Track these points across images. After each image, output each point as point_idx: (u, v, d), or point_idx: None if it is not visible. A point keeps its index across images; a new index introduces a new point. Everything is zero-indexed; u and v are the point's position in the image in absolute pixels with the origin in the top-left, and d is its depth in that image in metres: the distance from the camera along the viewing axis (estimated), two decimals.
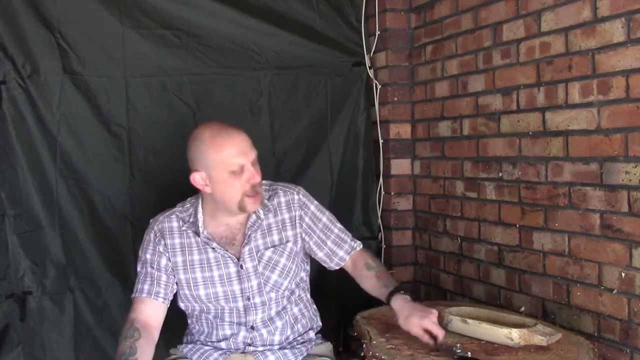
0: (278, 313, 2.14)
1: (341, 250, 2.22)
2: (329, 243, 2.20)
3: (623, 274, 2.06)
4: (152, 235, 2.13)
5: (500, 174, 2.59)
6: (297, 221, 2.15)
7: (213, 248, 2.08)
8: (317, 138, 3.09)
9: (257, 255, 2.10)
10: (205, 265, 2.09)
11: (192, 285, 2.10)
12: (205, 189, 2.04)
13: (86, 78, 2.69)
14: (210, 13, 2.87)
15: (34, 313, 2.63)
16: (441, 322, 2.16)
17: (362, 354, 2.08)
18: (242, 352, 2.11)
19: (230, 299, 2.09)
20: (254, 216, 2.10)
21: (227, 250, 2.09)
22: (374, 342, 2.06)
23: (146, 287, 2.08)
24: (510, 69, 2.51)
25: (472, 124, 2.75)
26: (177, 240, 2.11)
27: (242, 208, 2.03)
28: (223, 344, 2.12)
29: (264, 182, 2.17)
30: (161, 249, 2.10)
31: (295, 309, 2.18)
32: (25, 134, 2.61)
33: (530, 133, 2.43)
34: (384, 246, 3.22)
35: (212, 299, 2.09)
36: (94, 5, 2.68)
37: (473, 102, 2.74)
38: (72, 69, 2.66)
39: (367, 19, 3.21)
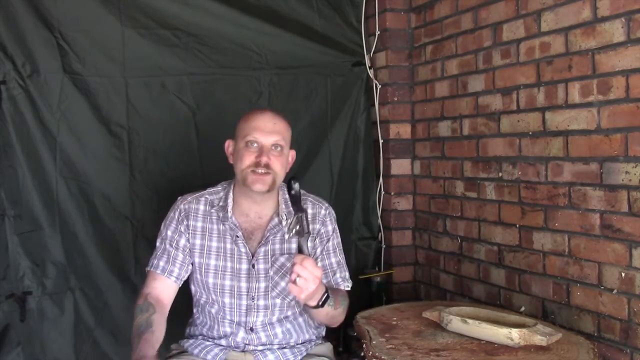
0: (280, 321, 2.12)
1: (324, 279, 2.06)
2: (319, 265, 2.06)
3: (623, 274, 2.06)
4: (176, 213, 2.13)
5: (500, 174, 2.59)
6: (316, 234, 2.13)
7: (237, 236, 2.07)
8: (317, 138, 3.10)
9: (271, 258, 2.08)
10: (221, 254, 2.09)
11: (203, 270, 2.09)
12: (230, 158, 2.11)
13: (86, 78, 2.69)
14: (210, 13, 2.87)
15: (34, 313, 2.63)
16: (441, 322, 2.16)
17: (362, 354, 2.08)
18: (241, 351, 2.11)
19: (235, 295, 2.09)
20: (275, 219, 2.09)
21: (245, 244, 2.08)
22: (374, 342, 2.06)
23: (162, 263, 2.08)
24: (510, 69, 2.52)
25: (472, 124, 2.75)
26: (199, 224, 2.11)
27: (244, 181, 2.02)
28: (223, 341, 2.12)
29: (297, 188, 2.12)
30: (182, 229, 2.10)
31: (300, 319, 2.16)
32: (25, 134, 2.61)
33: (530, 133, 2.43)
34: (384, 246, 3.22)
35: (218, 290, 2.09)
36: (94, 5, 2.69)
37: (473, 102, 2.74)
38: (72, 69, 2.66)
39: (367, 19, 3.21)
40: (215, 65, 2.89)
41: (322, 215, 2.15)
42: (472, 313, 2.19)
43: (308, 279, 1.79)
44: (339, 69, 3.13)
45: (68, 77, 2.67)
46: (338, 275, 2.16)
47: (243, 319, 2.10)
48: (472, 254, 2.79)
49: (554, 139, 2.32)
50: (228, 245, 2.09)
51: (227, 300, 2.09)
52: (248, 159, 2.01)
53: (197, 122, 2.85)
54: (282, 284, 2.08)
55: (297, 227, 1.84)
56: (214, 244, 2.10)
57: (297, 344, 2.15)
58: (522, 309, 2.48)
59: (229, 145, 2.12)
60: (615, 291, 2.09)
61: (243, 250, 2.08)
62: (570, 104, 2.25)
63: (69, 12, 2.65)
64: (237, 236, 2.08)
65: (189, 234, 2.11)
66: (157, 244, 2.14)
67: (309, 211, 2.12)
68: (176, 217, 2.13)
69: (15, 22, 2.58)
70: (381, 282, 3.09)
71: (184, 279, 2.12)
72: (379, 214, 3.22)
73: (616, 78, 2.06)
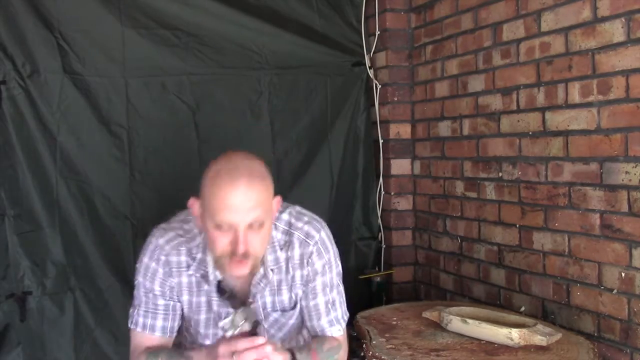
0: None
1: (309, 322, 1.86)
2: (303, 304, 1.85)
3: (623, 274, 2.06)
4: (159, 268, 1.80)
5: (500, 174, 2.59)
6: (305, 279, 1.83)
7: (221, 296, 1.79)
8: (317, 138, 3.09)
9: (262, 313, 1.83)
10: (212, 308, 1.83)
11: (192, 323, 1.86)
12: (197, 221, 1.72)
13: (86, 78, 2.69)
14: (210, 13, 2.87)
15: (34, 313, 2.63)
16: (441, 322, 2.16)
17: (362, 354, 2.08)
18: None
19: None
20: (261, 271, 1.76)
21: (234, 299, 1.81)
22: (374, 342, 2.06)
23: (159, 323, 1.81)
24: (510, 69, 2.52)
25: (472, 124, 2.75)
26: (184, 280, 1.81)
27: (219, 266, 1.68)
28: None
29: (284, 217, 1.82)
30: (169, 284, 1.81)
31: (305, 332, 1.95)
32: (25, 134, 2.61)
33: (530, 133, 2.43)
34: (384, 246, 3.22)
35: (211, 338, 1.87)
36: (94, 5, 2.69)
37: (473, 102, 2.74)
38: (72, 69, 2.66)
39: (367, 19, 3.21)
40: (215, 65, 2.89)
41: (308, 255, 1.80)
42: (472, 313, 2.19)
43: None
44: (339, 69, 3.13)
45: (68, 77, 2.66)
46: (324, 319, 1.84)
47: None
48: (472, 254, 2.79)
49: (554, 139, 2.32)
50: (215, 308, 1.82)
51: None
52: (220, 247, 1.61)
53: (197, 122, 2.85)
54: (280, 335, 1.89)
55: (242, 322, 1.61)
56: (203, 298, 1.82)
57: None
58: (522, 309, 2.48)
59: (193, 205, 1.71)
60: (615, 291, 2.09)
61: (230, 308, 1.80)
62: (570, 104, 2.25)
63: (69, 12, 2.65)
64: (221, 297, 1.80)
65: (175, 290, 1.82)
66: (142, 296, 1.82)
67: (296, 252, 1.80)
68: (158, 271, 1.80)
69: (15, 22, 2.58)
70: (381, 282, 3.09)
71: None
72: (379, 214, 3.22)
73: (616, 78, 2.06)
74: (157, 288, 1.81)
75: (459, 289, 2.89)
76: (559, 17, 2.28)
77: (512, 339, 1.96)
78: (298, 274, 1.81)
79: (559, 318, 2.32)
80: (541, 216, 2.39)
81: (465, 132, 2.80)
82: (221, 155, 1.71)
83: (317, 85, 3.09)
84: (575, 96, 2.22)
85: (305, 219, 1.83)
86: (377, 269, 3.18)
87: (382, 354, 1.95)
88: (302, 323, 1.92)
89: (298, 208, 1.87)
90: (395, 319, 2.29)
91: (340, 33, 3.14)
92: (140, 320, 1.82)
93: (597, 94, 2.13)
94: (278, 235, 1.80)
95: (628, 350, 2.06)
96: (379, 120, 3.20)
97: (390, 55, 3.15)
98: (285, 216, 1.82)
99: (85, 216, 2.70)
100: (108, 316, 2.73)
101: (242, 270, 1.63)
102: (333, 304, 1.85)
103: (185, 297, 1.82)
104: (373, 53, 3.22)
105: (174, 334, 1.85)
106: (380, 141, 3.20)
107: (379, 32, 3.17)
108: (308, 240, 1.80)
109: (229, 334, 1.60)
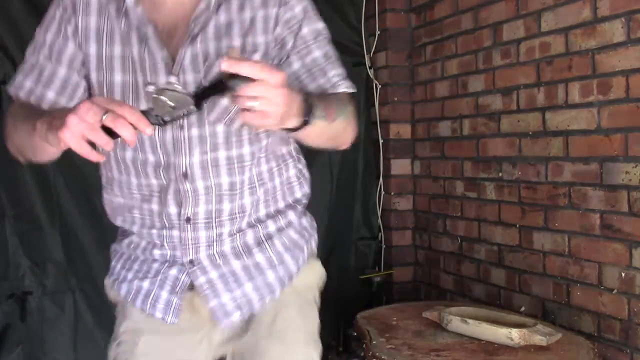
0: (230, 167, 1.37)
1: (312, 84, 1.40)
2: (296, 66, 1.40)
3: (623, 274, 2.06)
4: (58, 11, 1.36)
5: (500, 174, 2.59)
6: (272, 23, 1.35)
7: (146, 34, 1.31)
8: None
9: (203, 64, 1.32)
10: (129, 65, 1.33)
11: (105, 94, 1.34)
12: None
13: None
14: None
15: (34, 313, 2.64)
16: (441, 322, 2.16)
17: (362, 354, 2.08)
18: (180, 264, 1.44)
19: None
20: (203, 3, 1.32)
21: (161, 45, 1.31)
22: (374, 342, 2.06)
23: (28, 83, 1.35)
24: (510, 69, 2.52)
25: (472, 124, 2.75)
26: (93, 21, 1.35)
27: None
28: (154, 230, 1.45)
29: None
30: (69, 32, 1.35)
31: (270, 185, 1.48)
32: None
33: (530, 133, 2.43)
34: (384, 246, 3.22)
35: None
36: None
37: (473, 102, 2.74)
38: None
39: (367, 19, 3.21)
40: None
41: None
42: (472, 313, 2.19)
43: (269, 96, 1.04)
44: None
45: None
46: (333, 72, 1.44)
47: (172, 159, 1.34)
48: (472, 254, 2.79)
49: (554, 139, 2.32)
50: (135, 50, 1.33)
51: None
52: None
53: None
54: (224, 102, 1.32)
55: (168, 103, 1.06)
56: (117, 50, 1.34)
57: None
58: (522, 309, 2.48)
59: None
60: (615, 291, 2.09)
61: (158, 54, 1.31)
62: (570, 104, 2.25)
63: None
64: (147, 34, 1.32)
65: (79, 36, 1.35)
66: (28, 53, 1.38)
67: None
68: (58, 14, 1.36)
69: (15, 22, 2.59)
70: (381, 282, 3.09)
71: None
72: (379, 214, 3.22)
73: (616, 78, 2.06)
74: (48, 38, 1.36)
75: (459, 289, 2.88)
76: (559, 17, 2.28)
77: (512, 339, 1.96)
78: (260, 15, 1.35)
79: (559, 318, 2.32)
80: (541, 216, 2.39)
81: (465, 132, 2.80)
82: None
83: None
84: (575, 96, 2.22)
85: None
86: (377, 269, 3.19)
87: (382, 354, 1.95)
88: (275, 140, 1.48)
89: None
90: (395, 319, 2.29)
91: (340, 33, 3.14)
92: (19, 78, 1.38)
93: (597, 94, 2.13)
94: None
95: (628, 350, 2.06)
96: (379, 120, 3.20)
97: (390, 55, 3.15)
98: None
99: (85, 216, 2.70)
100: (108, 316, 2.70)
101: None
102: (332, 58, 1.47)
103: (93, 49, 1.35)
104: (373, 53, 3.22)
105: (44, 107, 1.35)
106: (380, 141, 3.20)
107: (379, 32, 3.17)
108: None
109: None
